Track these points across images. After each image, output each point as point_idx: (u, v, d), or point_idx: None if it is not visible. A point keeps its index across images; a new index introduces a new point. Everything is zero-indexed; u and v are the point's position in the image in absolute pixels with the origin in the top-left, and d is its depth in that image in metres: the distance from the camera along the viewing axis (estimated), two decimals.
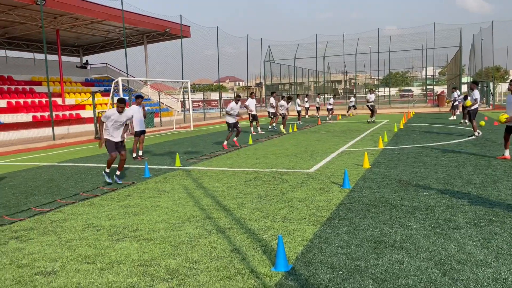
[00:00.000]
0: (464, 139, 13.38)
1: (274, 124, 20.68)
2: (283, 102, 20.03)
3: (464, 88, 39.20)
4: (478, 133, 14.01)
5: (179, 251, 4.56)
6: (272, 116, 20.63)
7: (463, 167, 8.62)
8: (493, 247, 4.26)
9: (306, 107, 30.25)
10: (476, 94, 14.43)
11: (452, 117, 23.13)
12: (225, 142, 13.75)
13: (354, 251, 4.32)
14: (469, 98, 15.31)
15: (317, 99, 31.70)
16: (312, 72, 53.98)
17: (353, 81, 67.85)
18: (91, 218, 6.05)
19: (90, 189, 8.13)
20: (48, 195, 7.73)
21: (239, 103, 14.08)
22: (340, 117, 28.43)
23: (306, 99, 31.00)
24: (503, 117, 8.92)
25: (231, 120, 13.71)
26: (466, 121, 18.18)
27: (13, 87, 25.80)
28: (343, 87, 69.43)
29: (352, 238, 4.71)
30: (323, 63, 45.37)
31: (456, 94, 23.38)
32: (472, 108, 14.40)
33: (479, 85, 33.64)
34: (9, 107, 22.73)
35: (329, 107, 27.45)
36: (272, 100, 20.51)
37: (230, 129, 13.81)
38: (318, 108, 30.60)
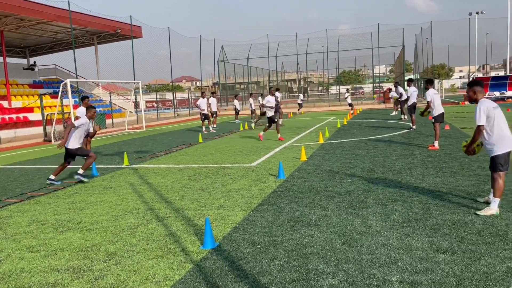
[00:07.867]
0: (398, 132, 14.50)
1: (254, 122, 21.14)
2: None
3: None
4: (414, 128, 15.19)
5: (119, 237, 5.02)
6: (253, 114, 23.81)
7: (388, 157, 9.54)
8: (390, 221, 5.02)
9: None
10: (411, 90, 15.67)
11: (394, 113, 24.58)
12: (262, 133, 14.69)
13: (275, 229, 4.96)
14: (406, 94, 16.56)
15: (301, 96, 31.92)
16: (266, 71, 54.96)
17: (307, 79, 69.55)
18: (37, 214, 6.35)
19: (36, 188, 8.34)
20: None
21: (274, 96, 14.97)
22: (291, 115, 29.35)
23: (260, 98, 31.73)
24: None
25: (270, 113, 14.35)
26: (405, 116, 19.57)
27: None
28: (297, 85, 71.01)
29: (275, 219, 5.35)
30: (276, 62, 46.42)
31: (394, 92, 24.87)
32: (410, 103, 15.61)
33: (421, 83, 35.70)
34: None
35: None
36: (251, 100, 24.90)
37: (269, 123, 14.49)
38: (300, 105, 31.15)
